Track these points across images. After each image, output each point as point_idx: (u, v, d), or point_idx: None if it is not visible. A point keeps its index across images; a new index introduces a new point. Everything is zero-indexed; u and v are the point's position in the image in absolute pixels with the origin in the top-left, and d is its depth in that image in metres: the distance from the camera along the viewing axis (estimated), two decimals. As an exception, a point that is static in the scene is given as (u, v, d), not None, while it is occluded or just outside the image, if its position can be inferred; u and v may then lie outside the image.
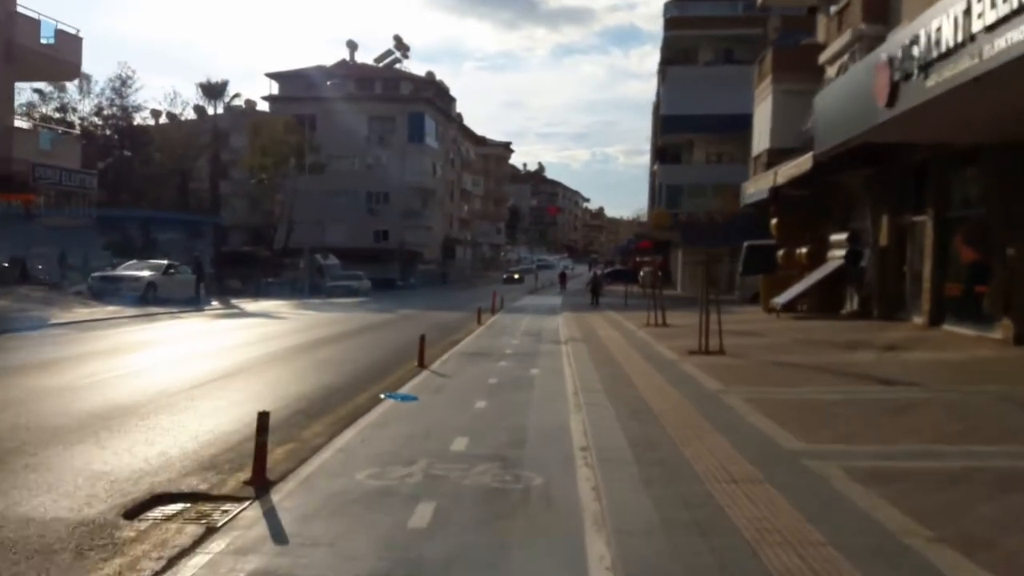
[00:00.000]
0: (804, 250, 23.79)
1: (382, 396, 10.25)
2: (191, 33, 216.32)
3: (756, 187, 25.52)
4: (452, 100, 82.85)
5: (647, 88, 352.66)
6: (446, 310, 33.37)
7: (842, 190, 23.49)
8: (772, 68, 27.11)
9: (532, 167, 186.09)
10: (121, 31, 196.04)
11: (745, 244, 37.28)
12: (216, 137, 52.33)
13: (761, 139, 28.75)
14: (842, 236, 21.91)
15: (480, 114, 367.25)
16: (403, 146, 70.04)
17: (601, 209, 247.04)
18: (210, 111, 54.76)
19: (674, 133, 56.36)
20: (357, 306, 36.50)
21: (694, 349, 14.30)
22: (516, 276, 79.99)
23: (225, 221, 61.05)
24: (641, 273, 68.58)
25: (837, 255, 22.07)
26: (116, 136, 48.89)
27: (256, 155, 56.34)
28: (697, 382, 10.85)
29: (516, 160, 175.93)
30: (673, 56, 58.85)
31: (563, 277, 65.99)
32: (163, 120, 57.84)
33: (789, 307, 22.80)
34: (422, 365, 13.40)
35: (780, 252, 26.00)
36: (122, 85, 48.13)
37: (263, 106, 72.51)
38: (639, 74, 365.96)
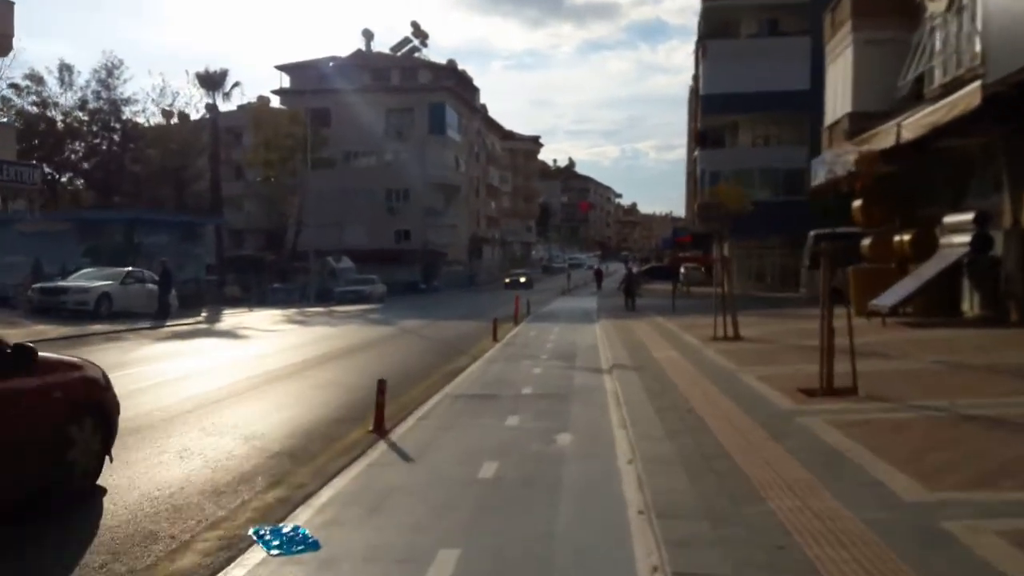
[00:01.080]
0: (906, 237, 18.65)
1: (252, 534, 5.20)
2: (196, 31, 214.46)
3: (840, 158, 20.38)
4: (475, 90, 78.18)
5: (676, 82, 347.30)
6: (462, 319, 28.71)
7: (950, 160, 18.42)
8: (851, 13, 21.97)
9: (562, 163, 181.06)
10: (130, 33, 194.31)
11: (811, 234, 32.14)
12: (216, 132, 48.00)
13: (838, 103, 23.65)
14: (964, 217, 16.75)
15: (508, 113, 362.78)
16: (423, 139, 65.52)
17: (634, 205, 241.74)
18: (210, 103, 50.44)
19: (716, 114, 51.12)
20: (359, 316, 31.92)
21: (812, 389, 9.38)
22: (522, 280, 64.27)
23: (231, 223, 56.87)
24: (683, 270, 63.52)
25: (956, 242, 16.97)
26: (105, 132, 44.81)
27: (260, 150, 52.11)
28: (873, 477, 5.74)
29: (546, 157, 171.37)
30: (712, 30, 53.57)
31: (599, 275, 61.11)
32: (174, 120, 54.02)
33: (893, 311, 17.73)
34: (379, 430, 8.37)
35: (866, 241, 20.91)
36: (108, 76, 44.04)
37: (275, 101, 68.35)
38: (667, 68, 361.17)
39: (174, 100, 48.15)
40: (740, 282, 52.59)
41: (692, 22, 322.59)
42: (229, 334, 23.08)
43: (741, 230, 49.53)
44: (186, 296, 38.36)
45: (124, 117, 46.54)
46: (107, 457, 6.40)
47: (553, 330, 22.90)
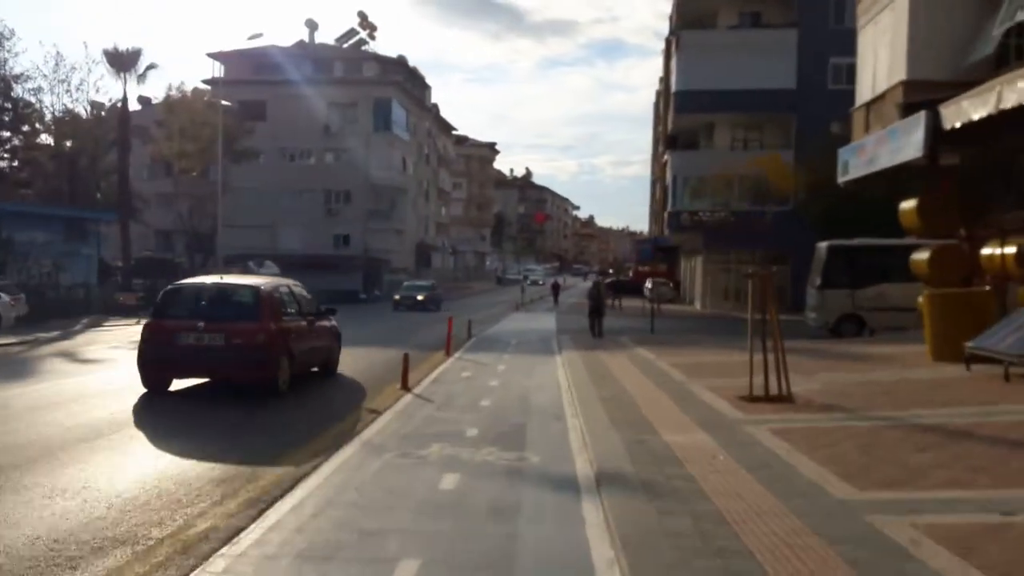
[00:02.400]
0: (1009, 250, 13.30)
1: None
2: (123, 16, 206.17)
3: (899, 139, 15.07)
4: (426, 87, 72.52)
5: (633, 100, 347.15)
6: (380, 344, 22.38)
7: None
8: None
9: (519, 173, 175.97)
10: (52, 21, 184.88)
11: (823, 245, 27.03)
12: (125, 117, 41.71)
13: (880, 73, 18.43)
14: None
15: (466, 126, 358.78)
16: (367, 136, 59.70)
17: (591, 217, 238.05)
18: (119, 87, 43.81)
19: (690, 113, 46.19)
20: None
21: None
22: (419, 298, 45.48)
23: (156, 223, 50.42)
24: (648, 285, 58.45)
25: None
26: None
27: (175, 140, 45.94)
28: None
29: (503, 167, 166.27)
30: (687, 22, 48.74)
31: (556, 288, 55.95)
32: (83, 105, 47.45)
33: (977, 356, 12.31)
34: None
35: (921, 254, 15.70)
36: (-6, 45, 37.59)
37: (207, 93, 61.96)
38: (625, 86, 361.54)
39: (69, 76, 41.55)
40: (713, 302, 47.80)
41: (650, 42, 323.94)
42: (58, 357, 17.19)
43: (717, 242, 44.79)
44: (71, 303, 32.35)
45: (15, 95, 39.97)
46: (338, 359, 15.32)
47: (497, 368, 16.96)
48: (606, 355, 18.38)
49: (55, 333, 23.46)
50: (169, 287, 13.45)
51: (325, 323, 14.97)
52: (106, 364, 16.79)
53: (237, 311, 12.41)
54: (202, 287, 13.27)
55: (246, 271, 44.75)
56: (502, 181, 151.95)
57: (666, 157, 52.25)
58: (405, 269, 65.23)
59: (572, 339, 23.11)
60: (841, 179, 18.23)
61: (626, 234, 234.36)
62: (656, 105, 78.05)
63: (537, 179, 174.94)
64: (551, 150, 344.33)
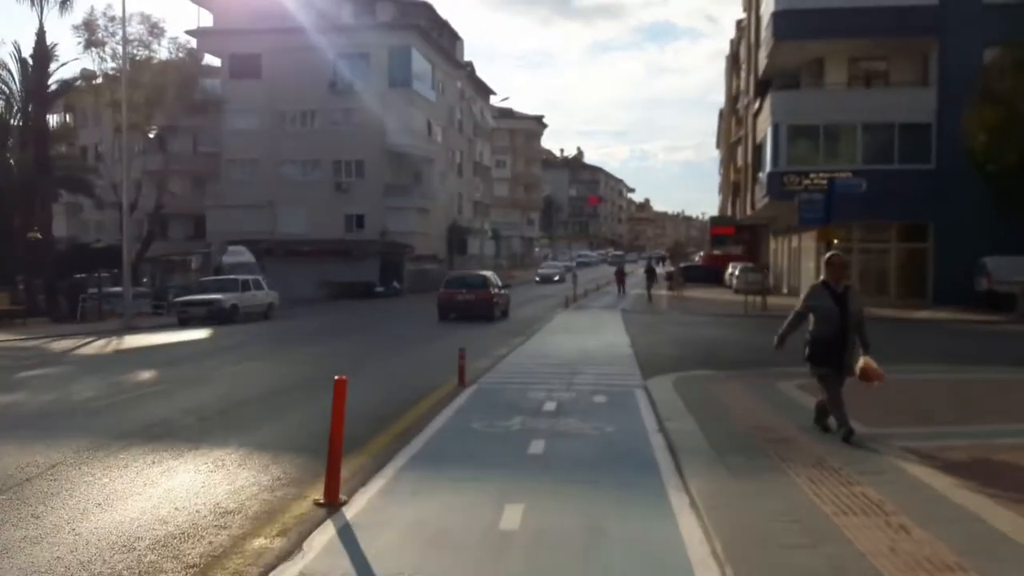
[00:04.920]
0: None
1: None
2: None
3: None
4: (457, 39, 61.56)
5: (684, 84, 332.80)
6: (379, 378, 13.70)
7: None
8: None
9: (570, 154, 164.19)
10: None
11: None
12: (40, 59, 31.60)
13: None
14: None
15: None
16: (382, 94, 49.05)
17: (647, 201, 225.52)
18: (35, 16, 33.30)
19: (794, 40, 34.49)
20: (121, 363, 16.30)
21: None
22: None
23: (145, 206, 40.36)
24: (734, 271, 46.86)
25: None
26: None
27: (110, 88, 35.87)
28: None
29: (552, 146, 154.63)
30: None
31: (621, 276, 45.22)
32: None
33: None
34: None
35: None
36: None
37: (191, 45, 51.91)
38: (675, 70, 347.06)
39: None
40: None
41: (700, 24, 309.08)
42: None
43: (838, 212, 33.28)
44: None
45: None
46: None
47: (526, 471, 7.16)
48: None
49: None
50: (448, 276, 31.78)
51: (505, 291, 29.93)
52: None
53: (478, 284, 28.26)
54: (464, 274, 31.63)
55: (207, 261, 34.78)
56: (551, 162, 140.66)
57: (761, 103, 40.55)
58: (434, 256, 54.61)
59: (672, 366, 12.74)
60: None
61: (682, 219, 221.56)
62: (727, 72, 66.18)
63: (588, 163, 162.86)
64: (602, 136, 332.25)
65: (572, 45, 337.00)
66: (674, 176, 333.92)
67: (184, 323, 27.10)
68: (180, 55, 35.03)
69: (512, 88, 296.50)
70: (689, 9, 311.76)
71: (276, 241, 48.86)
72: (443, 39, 56.81)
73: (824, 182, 33.09)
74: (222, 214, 50.18)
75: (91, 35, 34.91)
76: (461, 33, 62.80)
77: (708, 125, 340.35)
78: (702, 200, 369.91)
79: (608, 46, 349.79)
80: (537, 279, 60.13)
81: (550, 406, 10.68)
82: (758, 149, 40.07)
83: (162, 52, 34.45)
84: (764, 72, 39.65)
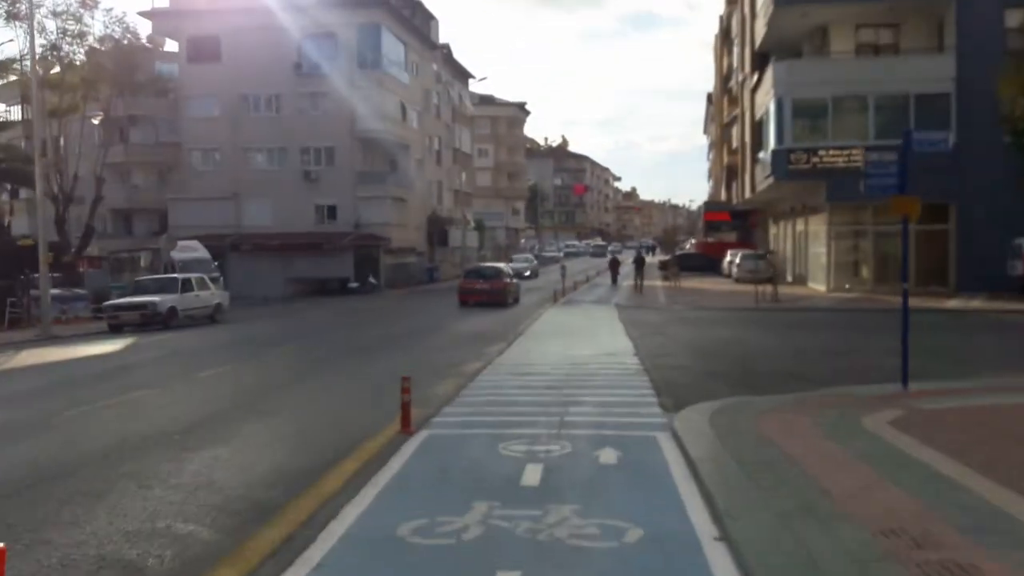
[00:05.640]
0: None
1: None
2: None
3: None
4: (431, 19, 58.13)
5: (667, 72, 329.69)
6: (282, 421, 10.25)
7: None
8: None
9: (554, 142, 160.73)
10: None
11: None
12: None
13: None
14: None
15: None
16: (351, 76, 45.71)
17: (634, 190, 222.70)
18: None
19: (797, 3, 31.53)
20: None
21: None
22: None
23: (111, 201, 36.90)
24: (733, 259, 43.81)
25: None
26: None
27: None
28: None
29: (536, 135, 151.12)
30: None
31: (615, 266, 42.75)
32: None
33: None
34: None
35: None
36: None
37: (145, 27, 48.45)
38: (660, 59, 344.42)
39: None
40: (846, 276, 33.10)
41: (682, 13, 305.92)
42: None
43: (845, 194, 30.36)
44: None
45: None
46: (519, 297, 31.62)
47: None
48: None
49: None
50: (466, 268, 38.95)
51: (515, 281, 32.69)
52: None
53: (493, 275, 31.64)
54: (480, 266, 35.52)
55: (156, 260, 31.49)
56: (536, 151, 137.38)
57: (756, 81, 37.49)
58: (413, 249, 51.40)
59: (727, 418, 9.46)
60: None
61: (668, 207, 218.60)
62: (719, 43, 63.11)
63: (573, 152, 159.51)
64: (586, 125, 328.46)
65: (554, 34, 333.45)
66: (660, 165, 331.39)
67: (116, 329, 23.77)
68: (120, 30, 31.58)
69: (493, 78, 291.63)
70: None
71: (242, 235, 45.58)
72: (416, 18, 53.41)
73: (839, 159, 30.24)
74: (185, 207, 46.83)
75: (11, 5, 31.30)
76: (437, 15, 59.47)
77: (692, 114, 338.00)
78: (688, 189, 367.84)
79: (590, 35, 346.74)
80: None
81: (532, 476, 7.22)
82: (758, 127, 37.02)
83: (96, 27, 30.70)
84: (762, 43, 36.65)
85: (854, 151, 30.29)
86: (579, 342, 17.57)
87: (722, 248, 49.76)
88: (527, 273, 50.18)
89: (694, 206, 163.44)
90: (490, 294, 29.72)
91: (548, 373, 13.44)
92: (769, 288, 27.22)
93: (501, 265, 34.37)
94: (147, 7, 48.27)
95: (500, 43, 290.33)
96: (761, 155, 35.78)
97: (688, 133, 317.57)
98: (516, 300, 31.24)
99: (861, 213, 31.18)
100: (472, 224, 65.76)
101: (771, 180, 32.39)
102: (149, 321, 23.83)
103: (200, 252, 31.98)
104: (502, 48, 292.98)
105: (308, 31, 45.63)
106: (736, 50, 46.81)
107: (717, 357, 15.15)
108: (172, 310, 24.47)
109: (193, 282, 25.94)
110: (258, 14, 45.32)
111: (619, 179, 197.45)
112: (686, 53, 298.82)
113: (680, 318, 23.62)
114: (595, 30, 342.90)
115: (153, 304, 23.91)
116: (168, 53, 51.08)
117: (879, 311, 24.24)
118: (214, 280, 28.56)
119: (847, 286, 30.82)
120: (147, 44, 40.48)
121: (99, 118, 37.52)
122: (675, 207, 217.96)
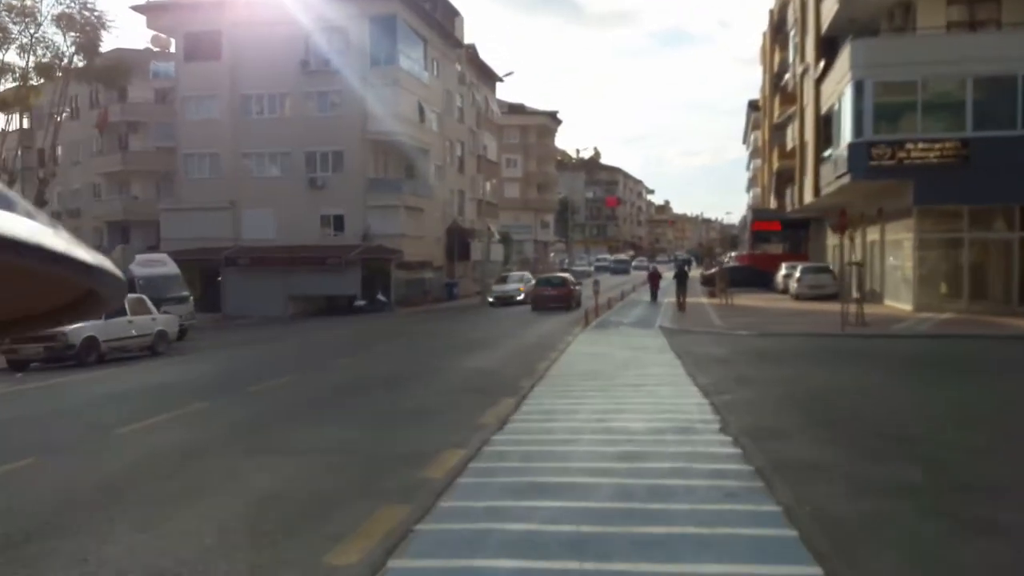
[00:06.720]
0: None
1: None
2: None
3: None
4: (455, 15, 53.65)
5: (698, 88, 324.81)
6: None
7: None
8: None
9: (586, 155, 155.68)
10: None
11: None
12: None
13: None
14: None
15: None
16: (364, 73, 41.31)
17: (667, 203, 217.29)
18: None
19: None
20: None
21: None
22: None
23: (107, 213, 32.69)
24: (792, 272, 38.33)
25: None
26: None
27: None
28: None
29: (567, 147, 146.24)
30: None
31: (655, 279, 38.03)
32: None
33: None
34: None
35: None
36: None
37: (139, 23, 44.45)
38: (692, 75, 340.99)
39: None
40: (923, 297, 27.75)
41: (714, 31, 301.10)
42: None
43: (936, 195, 25.19)
44: None
45: None
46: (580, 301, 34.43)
47: None
48: None
49: None
50: (538, 278, 42.02)
51: (578, 287, 37.18)
52: None
53: (560, 283, 36.81)
54: (549, 276, 41.31)
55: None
56: (567, 163, 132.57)
57: (821, 69, 32.42)
58: (429, 263, 46.74)
59: None
60: None
61: (701, 221, 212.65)
62: (767, 40, 58.21)
63: (606, 164, 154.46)
64: (616, 141, 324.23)
65: (585, 52, 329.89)
66: (692, 180, 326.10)
67: (17, 367, 18.81)
68: (77, 5, 27.37)
69: (525, 89, 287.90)
70: (702, 15, 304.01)
71: (240, 248, 41.27)
72: (437, 12, 48.96)
73: (930, 154, 25.17)
74: (178, 218, 42.68)
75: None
76: (462, 12, 55.00)
77: (725, 129, 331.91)
78: (722, 203, 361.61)
79: (622, 52, 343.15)
80: (491, 301, 41.34)
81: None
82: (826, 121, 31.89)
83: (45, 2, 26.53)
84: (830, 26, 31.65)
85: (947, 144, 25.25)
86: (625, 396, 12.25)
87: (771, 260, 44.63)
88: (519, 298, 39.81)
89: (729, 219, 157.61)
90: (558, 299, 34.96)
91: (575, 486, 7.28)
92: (853, 308, 22.09)
93: (566, 275, 40.64)
94: (141, 1, 44.37)
95: (531, 59, 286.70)
96: (830, 152, 30.69)
97: (721, 147, 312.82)
98: (578, 304, 34.42)
99: (955, 219, 26.03)
100: (497, 236, 60.97)
101: (845, 180, 27.22)
102: (58, 356, 18.82)
103: (167, 267, 27.39)
104: (533, 64, 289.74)
105: (317, 24, 41.32)
106: (794, 41, 41.74)
107: (838, 422, 10.08)
108: (90, 341, 19.27)
109: (126, 304, 19.82)
110: (262, 7, 41.25)
111: (652, 191, 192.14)
112: (718, 69, 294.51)
113: (751, 349, 18.45)
114: (627, 48, 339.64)
115: (63, 335, 18.35)
116: (163, 53, 47.24)
117: (998, 338, 19.10)
118: (181, 300, 23.94)
119: (940, 304, 25.58)
120: (109, 24, 36.17)
121: (65, 113, 33.35)
122: (707, 221, 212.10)
